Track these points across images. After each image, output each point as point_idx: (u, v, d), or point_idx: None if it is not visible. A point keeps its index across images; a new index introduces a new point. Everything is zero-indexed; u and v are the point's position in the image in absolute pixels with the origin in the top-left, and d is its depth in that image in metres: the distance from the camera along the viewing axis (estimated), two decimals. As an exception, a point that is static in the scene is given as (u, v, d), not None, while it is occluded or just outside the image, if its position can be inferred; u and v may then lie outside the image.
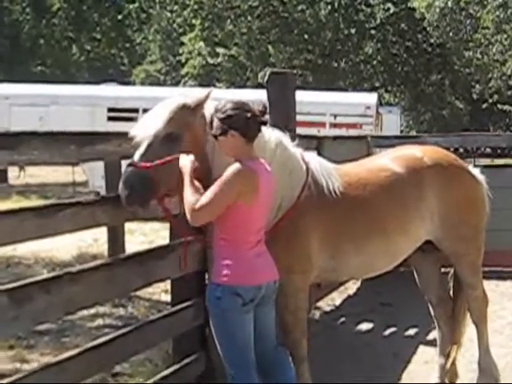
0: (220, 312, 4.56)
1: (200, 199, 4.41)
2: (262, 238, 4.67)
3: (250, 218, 4.54)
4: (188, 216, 4.47)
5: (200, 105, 4.72)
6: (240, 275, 4.53)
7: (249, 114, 4.51)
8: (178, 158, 4.58)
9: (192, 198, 4.44)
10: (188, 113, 4.69)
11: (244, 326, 4.58)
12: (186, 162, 4.57)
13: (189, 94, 4.84)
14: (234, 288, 4.50)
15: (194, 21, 43.91)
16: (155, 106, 4.75)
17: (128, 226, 12.15)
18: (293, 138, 5.34)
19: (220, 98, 4.80)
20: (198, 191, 4.48)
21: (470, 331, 6.45)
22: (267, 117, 4.69)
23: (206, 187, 4.59)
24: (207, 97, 4.74)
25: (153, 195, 4.58)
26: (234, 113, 4.49)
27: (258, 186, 4.47)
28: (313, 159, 5.42)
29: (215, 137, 4.54)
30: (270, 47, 41.20)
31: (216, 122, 4.51)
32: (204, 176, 4.70)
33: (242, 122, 4.49)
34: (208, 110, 4.75)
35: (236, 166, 4.46)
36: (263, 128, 4.71)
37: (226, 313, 4.54)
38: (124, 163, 4.73)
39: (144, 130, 4.62)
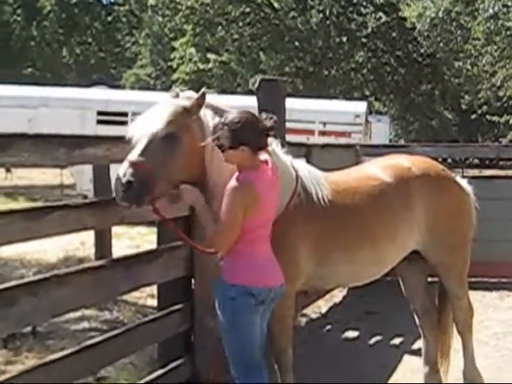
0: (234, 312, 4.55)
1: (217, 228, 4.44)
2: (269, 243, 4.69)
3: (259, 224, 4.55)
4: (214, 247, 4.57)
5: (197, 106, 4.66)
6: (254, 276, 4.56)
7: (260, 129, 4.48)
8: (174, 160, 4.53)
9: (212, 228, 4.50)
10: (186, 115, 4.62)
11: (255, 326, 4.60)
12: (195, 196, 4.64)
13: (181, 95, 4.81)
14: (248, 288, 4.51)
15: (185, 26, 43.90)
16: (153, 107, 4.69)
17: (115, 229, 12.12)
18: (282, 145, 5.33)
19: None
20: (215, 220, 4.50)
21: (455, 341, 6.48)
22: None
23: (201, 190, 4.65)
24: (203, 97, 4.67)
25: (149, 194, 4.49)
26: (246, 127, 4.43)
27: (258, 196, 4.44)
28: (302, 167, 5.41)
29: (220, 147, 4.46)
30: (261, 54, 41.22)
31: (225, 134, 4.42)
32: (200, 179, 4.68)
33: (254, 137, 4.45)
34: (203, 113, 4.73)
35: (231, 185, 4.42)
36: None
37: (239, 313, 4.53)
38: (113, 167, 4.70)
39: (143, 128, 4.55)
